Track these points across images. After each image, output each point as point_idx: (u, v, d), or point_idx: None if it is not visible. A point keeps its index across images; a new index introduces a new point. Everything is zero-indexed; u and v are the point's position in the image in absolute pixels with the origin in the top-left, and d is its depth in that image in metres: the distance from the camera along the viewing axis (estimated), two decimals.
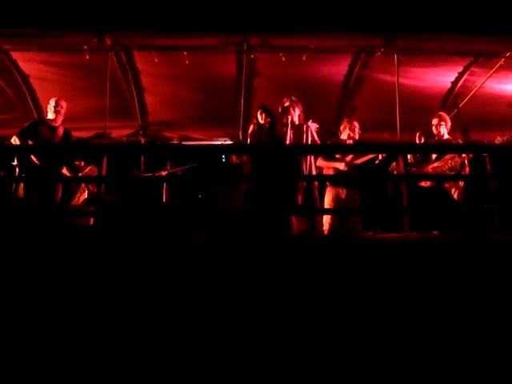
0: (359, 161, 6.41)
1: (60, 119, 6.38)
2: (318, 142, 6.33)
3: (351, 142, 6.61)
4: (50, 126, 6.33)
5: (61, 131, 6.35)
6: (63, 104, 6.38)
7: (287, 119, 6.20)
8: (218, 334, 4.18)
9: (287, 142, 6.16)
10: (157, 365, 4.11)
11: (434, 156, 6.47)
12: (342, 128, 6.70)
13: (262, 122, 6.31)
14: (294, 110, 6.25)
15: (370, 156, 6.39)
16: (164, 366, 4.11)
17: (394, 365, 4.16)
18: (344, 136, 6.64)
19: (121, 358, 4.13)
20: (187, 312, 4.24)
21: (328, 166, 6.46)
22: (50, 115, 6.36)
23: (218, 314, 4.25)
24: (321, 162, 6.45)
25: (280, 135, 6.22)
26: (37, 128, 6.24)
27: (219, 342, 4.16)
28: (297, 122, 6.26)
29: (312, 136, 6.26)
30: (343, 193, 6.37)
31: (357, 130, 6.62)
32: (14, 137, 6.14)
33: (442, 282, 4.40)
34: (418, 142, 6.61)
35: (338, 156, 6.49)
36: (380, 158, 6.40)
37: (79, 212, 6.54)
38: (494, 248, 4.61)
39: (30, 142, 6.09)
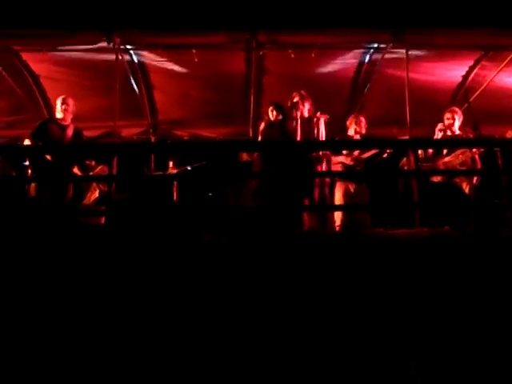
0: (365, 155, 6.41)
1: (69, 117, 6.40)
2: (324, 136, 6.30)
3: (358, 137, 6.61)
4: (59, 125, 6.35)
5: (71, 130, 6.37)
6: (70, 102, 6.39)
7: (297, 114, 6.19)
8: (228, 331, 4.19)
9: (298, 137, 6.16)
10: (169, 361, 4.13)
11: (445, 151, 6.46)
12: (348, 123, 6.72)
13: (272, 119, 6.32)
14: (303, 105, 6.25)
15: (375, 151, 6.39)
16: (176, 362, 4.13)
17: (414, 360, 4.15)
18: (351, 132, 6.66)
19: (134, 354, 4.16)
20: (197, 310, 4.25)
21: (335, 162, 6.46)
22: (59, 114, 6.37)
23: (229, 311, 4.26)
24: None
25: (290, 130, 6.22)
26: (46, 128, 6.26)
27: (230, 340, 4.17)
28: (306, 115, 6.25)
29: (321, 129, 6.25)
30: (352, 187, 6.39)
31: (363, 125, 6.63)
32: (27, 139, 6.18)
33: (454, 276, 4.39)
34: (437, 135, 6.57)
35: (345, 152, 6.49)
36: (387, 151, 6.39)
37: (90, 211, 6.55)
38: (506, 243, 4.59)
39: (40, 143, 6.11)
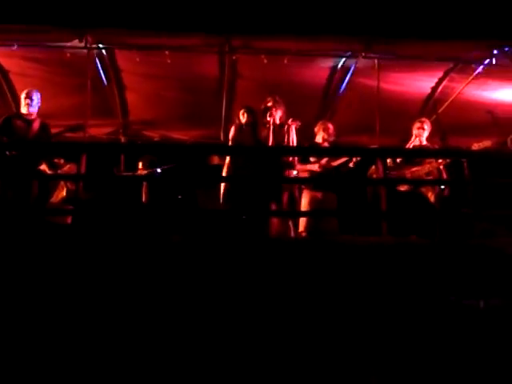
0: (335, 163, 6.46)
1: (34, 111, 6.23)
2: (295, 142, 6.33)
3: (326, 144, 6.65)
4: (24, 120, 6.18)
5: (36, 124, 6.20)
6: (35, 96, 6.23)
7: (269, 120, 6.21)
8: (197, 334, 4.19)
9: (270, 142, 6.18)
10: (142, 366, 4.11)
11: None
12: (316, 130, 6.74)
13: (243, 122, 6.31)
14: (276, 111, 6.26)
15: (345, 159, 6.43)
16: (150, 366, 4.11)
17: (374, 376, 4.19)
18: (319, 139, 6.68)
19: (105, 358, 4.12)
20: (165, 311, 4.23)
21: (303, 170, 6.49)
22: (23, 109, 6.22)
23: (197, 313, 4.25)
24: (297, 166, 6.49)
25: (262, 136, 6.24)
26: (10, 123, 6.10)
27: (199, 343, 4.17)
28: (278, 122, 6.27)
29: (293, 135, 6.28)
30: (320, 194, 6.41)
31: (331, 132, 6.66)
32: None
33: (419, 286, 4.44)
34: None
35: (312, 159, 6.53)
36: (354, 160, 6.43)
37: (57, 210, 6.48)
38: (471, 252, 4.66)
39: (5, 138, 5.96)
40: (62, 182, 6.79)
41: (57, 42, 6.47)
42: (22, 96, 6.26)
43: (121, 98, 7.74)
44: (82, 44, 6.43)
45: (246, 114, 6.31)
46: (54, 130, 6.61)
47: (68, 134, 7.36)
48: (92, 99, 6.65)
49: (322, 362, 4.16)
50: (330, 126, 6.71)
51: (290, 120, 6.24)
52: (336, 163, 6.44)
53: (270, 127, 6.19)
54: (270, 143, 6.16)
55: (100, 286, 4.29)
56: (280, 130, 6.23)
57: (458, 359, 4.21)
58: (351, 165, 6.43)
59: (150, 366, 4.11)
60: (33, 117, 6.24)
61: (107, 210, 6.18)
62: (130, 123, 8.29)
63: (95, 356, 4.11)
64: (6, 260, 4.33)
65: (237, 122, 6.43)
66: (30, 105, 6.18)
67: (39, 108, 6.32)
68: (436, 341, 4.26)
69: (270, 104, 6.26)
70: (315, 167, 6.47)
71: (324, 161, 6.47)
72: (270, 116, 6.22)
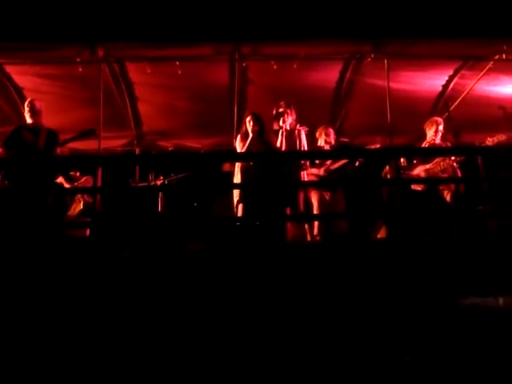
0: (334, 166, 6.51)
1: (40, 120, 6.11)
2: (306, 146, 6.35)
3: (328, 147, 6.69)
4: (32, 130, 6.05)
5: (44, 134, 6.03)
6: (38, 104, 6.10)
7: (282, 125, 6.20)
8: (213, 340, 4.22)
9: (281, 148, 6.19)
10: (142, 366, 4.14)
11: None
12: (317, 135, 6.82)
13: (249, 129, 6.20)
14: (288, 117, 6.25)
15: (344, 161, 6.49)
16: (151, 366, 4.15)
17: (389, 376, 4.19)
18: (321, 142, 6.77)
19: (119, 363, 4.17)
20: (185, 319, 4.27)
21: (309, 173, 6.53)
22: (29, 119, 6.09)
23: (216, 320, 4.29)
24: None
25: (273, 142, 6.24)
26: (18, 135, 6.00)
27: (214, 349, 4.20)
28: (288, 128, 6.29)
29: (303, 140, 6.31)
30: (328, 195, 6.50)
31: (332, 135, 6.77)
32: None
33: (436, 284, 4.44)
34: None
35: (317, 162, 6.61)
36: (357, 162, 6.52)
37: (77, 224, 6.54)
38: (487, 249, 4.65)
39: (13, 151, 5.91)
40: (79, 195, 6.86)
41: (68, 57, 6.55)
42: (26, 106, 6.11)
43: (133, 109, 7.82)
44: (93, 58, 6.51)
45: (251, 122, 6.22)
46: (64, 137, 6.57)
47: (81, 147, 7.40)
48: (105, 112, 6.72)
49: (338, 362, 4.18)
50: (331, 131, 6.85)
51: (298, 125, 6.26)
52: (336, 166, 6.50)
53: (283, 133, 6.19)
54: (282, 148, 6.17)
55: (118, 296, 4.34)
56: (291, 135, 6.24)
57: (476, 357, 4.20)
58: (357, 164, 6.48)
59: (150, 366, 4.15)
60: (39, 126, 6.09)
61: (124, 221, 6.21)
62: (143, 134, 8.37)
63: (99, 357, 4.16)
64: (25, 274, 4.39)
65: (243, 128, 6.38)
66: (36, 113, 6.06)
67: (51, 120, 6.26)
68: (453, 340, 4.25)
69: (282, 110, 6.24)
70: (321, 172, 6.55)
71: (329, 163, 6.54)
72: (283, 122, 6.20)
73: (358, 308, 4.36)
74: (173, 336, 4.25)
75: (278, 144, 6.16)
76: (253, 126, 6.16)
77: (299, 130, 6.25)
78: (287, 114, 6.21)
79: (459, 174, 6.42)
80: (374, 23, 7.17)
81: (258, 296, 4.37)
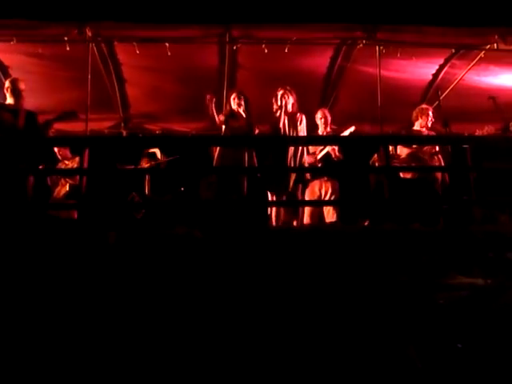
0: (319, 155, 6.51)
1: (21, 102, 5.93)
2: (305, 132, 6.35)
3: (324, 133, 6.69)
4: (10, 110, 5.85)
5: (23, 115, 5.86)
6: (21, 85, 5.93)
7: (280, 106, 6.18)
8: (199, 326, 4.19)
9: (281, 127, 6.17)
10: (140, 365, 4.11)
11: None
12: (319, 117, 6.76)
13: (234, 106, 6.25)
14: (289, 97, 6.25)
15: (327, 150, 6.48)
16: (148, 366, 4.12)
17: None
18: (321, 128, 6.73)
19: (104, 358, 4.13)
20: (171, 306, 4.24)
21: (304, 161, 6.52)
22: (9, 99, 5.91)
23: (204, 306, 4.26)
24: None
25: (273, 123, 6.26)
26: None
27: (201, 336, 4.18)
28: (290, 110, 6.26)
29: (304, 125, 6.31)
30: (321, 183, 6.49)
31: (327, 120, 6.70)
32: None
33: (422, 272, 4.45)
34: None
35: (311, 150, 6.59)
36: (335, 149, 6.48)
37: (63, 205, 6.47)
38: (473, 238, 4.66)
39: None
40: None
41: (56, 36, 6.44)
42: (7, 85, 5.94)
43: (121, 91, 7.73)
44: (82, 37, 6.41)
45: (236, 98, 6.26)
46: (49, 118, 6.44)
47: (68, 128, 7.32)
48: (92, 93, 6.63)
49: (325, 353, 4.18)
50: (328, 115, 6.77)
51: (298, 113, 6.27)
52: (321, 154, 6.50)
53: (281, 114, 6.17)
54: (281, 128, 6.16)
55: (105, 280, 4.30)
56: (292, 118, 6.22)
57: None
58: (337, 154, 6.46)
59: (151, 367, 4.12)
60: (18, 107, 5.90)
61: (110, 204, 6.15)
62: (130, 117, 8.28)
63: (95, 354, 4.12)
64: (12, 256, 4.33)
65: (227, 107, 6.37)
66: (12, 93, 5.87)
67: (37, 100, 6.18)
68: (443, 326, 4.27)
69: (281, 92, 6.25)
70: (312, 160, 6.54)
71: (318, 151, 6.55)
72: (281, 100, 6.21)
73: (344, 295, 4.35)
74: (158, 321, 4.21)
75: (281, 125, 6.14)
76: (238, 100, 6.18)
77: (301, 115, 6.23)
78: (287, 96, 6.20)
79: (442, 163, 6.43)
80: (366, 9, 7.15)
81: (244, 281, 4.36)
